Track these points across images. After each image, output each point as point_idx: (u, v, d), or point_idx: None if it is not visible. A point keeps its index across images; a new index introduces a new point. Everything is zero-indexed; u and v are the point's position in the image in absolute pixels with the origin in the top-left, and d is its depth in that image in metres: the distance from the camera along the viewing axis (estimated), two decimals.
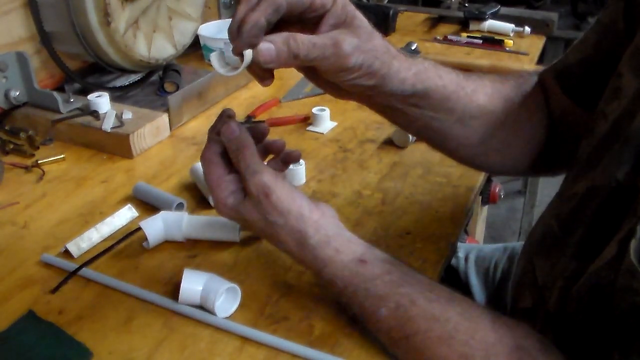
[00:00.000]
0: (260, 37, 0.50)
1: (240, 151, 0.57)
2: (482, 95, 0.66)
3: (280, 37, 0.50)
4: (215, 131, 0.59)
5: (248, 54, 0.50)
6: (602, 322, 0.48)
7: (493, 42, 1.40)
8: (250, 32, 0.49)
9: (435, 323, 0.53)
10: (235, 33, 0.50)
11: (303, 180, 0.86)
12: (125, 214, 0.78)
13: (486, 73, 0.71)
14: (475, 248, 1.04)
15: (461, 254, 0.95)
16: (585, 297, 0.49)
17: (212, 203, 0.79)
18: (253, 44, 0.50)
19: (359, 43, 0.54)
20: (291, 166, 0.75)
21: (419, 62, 0.61)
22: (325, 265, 0.57)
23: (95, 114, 0.96)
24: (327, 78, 0.56)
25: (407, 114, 0.63)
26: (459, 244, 0.99)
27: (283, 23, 0.52)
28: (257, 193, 0.56)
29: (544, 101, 0.70)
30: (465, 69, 1.23)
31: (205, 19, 1.27)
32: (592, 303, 0.49)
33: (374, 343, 0.58)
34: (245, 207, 0.58)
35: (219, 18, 1.41)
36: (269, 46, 0.50)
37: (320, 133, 1.01)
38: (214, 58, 0.54)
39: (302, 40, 0.51)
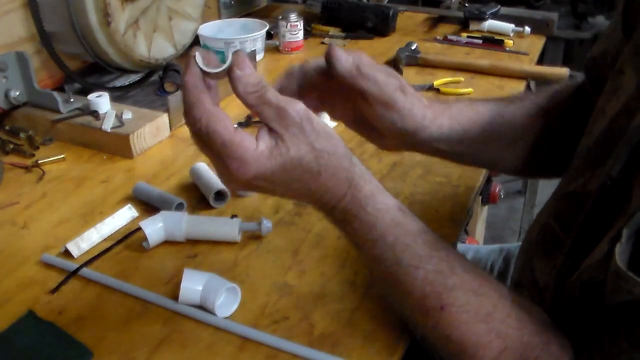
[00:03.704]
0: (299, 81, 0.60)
1: (266, 88, 0.50)
2: (521, 117, 0.69)
3: (350, 54, 0.59)
4: (201, 80, 0.50)
5: (230, 57, 0.50)
6: (592, 316, 0.49)
7: (493, 42, 1.40)
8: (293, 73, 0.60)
9: (474, 297, 0.51)
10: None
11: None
12: (125, 214, 0.78)
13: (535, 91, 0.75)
14: (471, 249, 1.04)
15: None
16: (577, 293, 0.50)
17: (216, 196, 0.78)
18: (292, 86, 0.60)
19: (400, 85, 0.61)
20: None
21: (453, 104, 0.66)
22: (367, 203, 0.52)
23: (95, 114, 0.96)
24: (376, 121, 0.61)
25: (456, 152, 0.67)
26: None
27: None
28: (300, 119, 0.49)
29: (578, 102, 0.70)
30: (466, 69, 1.24)
31: (205, 19, 1.27)
32: (583, 299, 0.49)
33: (373, 343, 0.58)
34: (287, 143, 0.49)
35: (219, 18, 1.42)
36: (342, 51, 0.58)
37: None
38: (198, 57, 0.51)
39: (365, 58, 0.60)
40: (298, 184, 0.51)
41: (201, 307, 0.62)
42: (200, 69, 0.50)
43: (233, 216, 0.76)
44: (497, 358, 0.50)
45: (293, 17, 1.33)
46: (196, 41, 1.25)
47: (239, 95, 0.49)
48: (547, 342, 0.50)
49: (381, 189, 0.54)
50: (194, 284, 0.62)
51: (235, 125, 0.49)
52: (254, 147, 0.48)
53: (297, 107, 0.49)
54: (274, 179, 0.50)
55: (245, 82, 0.49)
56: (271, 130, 0.49)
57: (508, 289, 0.54)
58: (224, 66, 0.49)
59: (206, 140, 0.49)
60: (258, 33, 1.27)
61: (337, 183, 0.52)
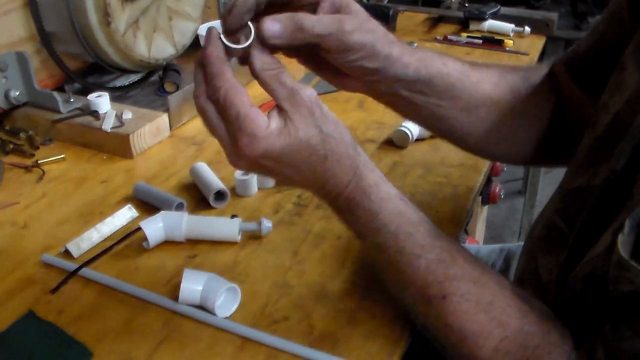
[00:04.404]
0: (249, 14, 0.51)
1: (282, 69, 0.51)
2: (488, 84, 0.66)
3: (285, 15, 0.51)
4: (224, 53, 0.50)
5: (253, 34, 0.51)
6: (595, 308, 0.49)
7: (493, 42, 1.40)
8: (239, 9, 0.50)
9: (475, 286, 0.52)
10: (227, 12, 0.52)
11: None
12: (125, 214, 0.78)
13: (492, 64, 0.72)
14: (471, 249, 1.04)
15: None
16: (580, 286, 0.50)
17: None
18: (243, 20, 0.51)
19: (359, 23, 0.55)
20: None
21: (421, 50, 0.63)
22: (371, 191, 0.53)
23: (95, 114, 0.96)
24: (332, 61, 0.56)
25: (413, 102, 0.63)
26: None
27: (276, 11, 0.53)
28: (310, 103, 0.50)
29: (554, 91, 0.70)
30: None
31: (205, 19, 1.27)
32: (586, 292, 0.49)
33: (373, 343, 0.58)
34: (296, 124, 0.49)
35: (219, 18, 1.42)
36: (273, 21, 0.50)
37: None
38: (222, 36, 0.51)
39: (307, 15, 0.52)
40: (305, 166, 0.51)
41: (201, 307, 0.62)
42: (225, 44, 0.50)
43: (233, 216, 0.76)
44: (498, 347, 0.50)
45: None
46: (196, 41, 1.25)
47: (255, 72, 0.50)
48: (547, 331, 0.50)
49: (384, 178, 0.55)
50: (194, 284, 0.62)
51: None
52: (266, 125, 0.49)
53: (309, 92, 0.50)
54: (282, 159, 0.50)
55: (263, 60, 0.50)
56: (281, 111, 0.50)
57: (508, 281, 0.54)
58: (248, 42, 0.51)
59: (222, 112, 0.49)
60: None
61: (342, 169, 0.52)
